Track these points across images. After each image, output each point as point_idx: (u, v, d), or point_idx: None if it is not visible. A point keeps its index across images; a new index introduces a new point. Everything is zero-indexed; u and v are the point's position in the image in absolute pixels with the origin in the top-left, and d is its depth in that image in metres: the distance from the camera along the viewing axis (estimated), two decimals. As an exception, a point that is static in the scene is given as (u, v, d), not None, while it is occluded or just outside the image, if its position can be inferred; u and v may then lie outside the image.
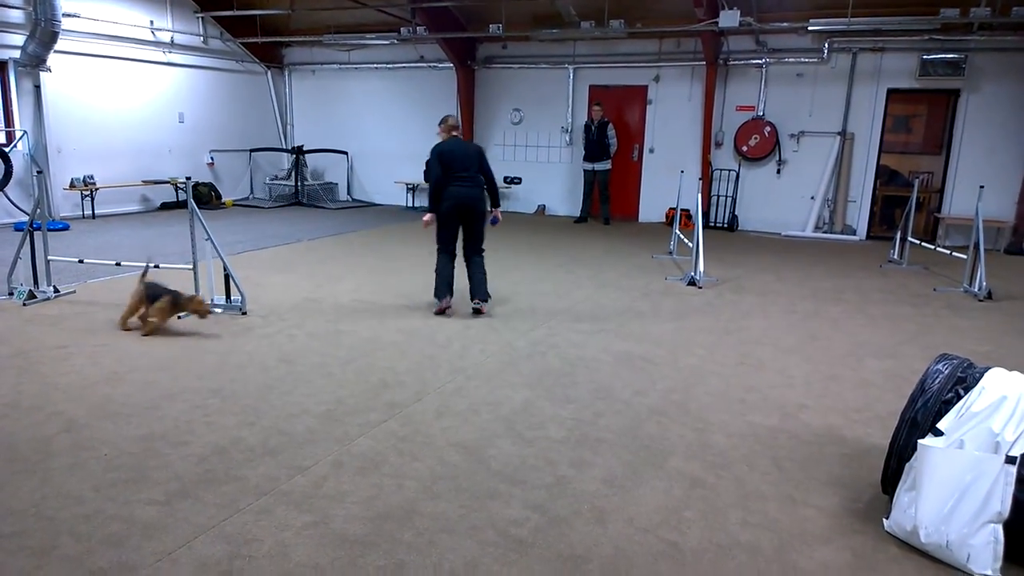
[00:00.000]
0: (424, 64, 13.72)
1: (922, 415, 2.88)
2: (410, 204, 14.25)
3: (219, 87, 13.72)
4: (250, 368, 4.62)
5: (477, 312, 6.08)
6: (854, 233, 11.24)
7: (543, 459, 3.44)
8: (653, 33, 11.62)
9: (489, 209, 6.19)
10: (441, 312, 6.06)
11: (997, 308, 6.84)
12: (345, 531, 2.77)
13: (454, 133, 6.11)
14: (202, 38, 13.19)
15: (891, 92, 10.76)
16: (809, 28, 10.13)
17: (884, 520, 2.92)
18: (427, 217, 6.07)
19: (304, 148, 14.31)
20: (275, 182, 14.58)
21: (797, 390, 4.52)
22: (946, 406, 2.87)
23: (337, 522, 2.83)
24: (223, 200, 13.40)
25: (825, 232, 11.35)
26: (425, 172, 5.65)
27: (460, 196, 5.88)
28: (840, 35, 10.57)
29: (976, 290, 7.22)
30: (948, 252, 8.39)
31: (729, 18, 9.99)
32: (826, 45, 10.77)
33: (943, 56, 10.14)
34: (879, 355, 5.28)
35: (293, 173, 14.30)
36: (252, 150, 14.38)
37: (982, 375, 2.93)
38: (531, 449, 3.55)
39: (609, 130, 11.87)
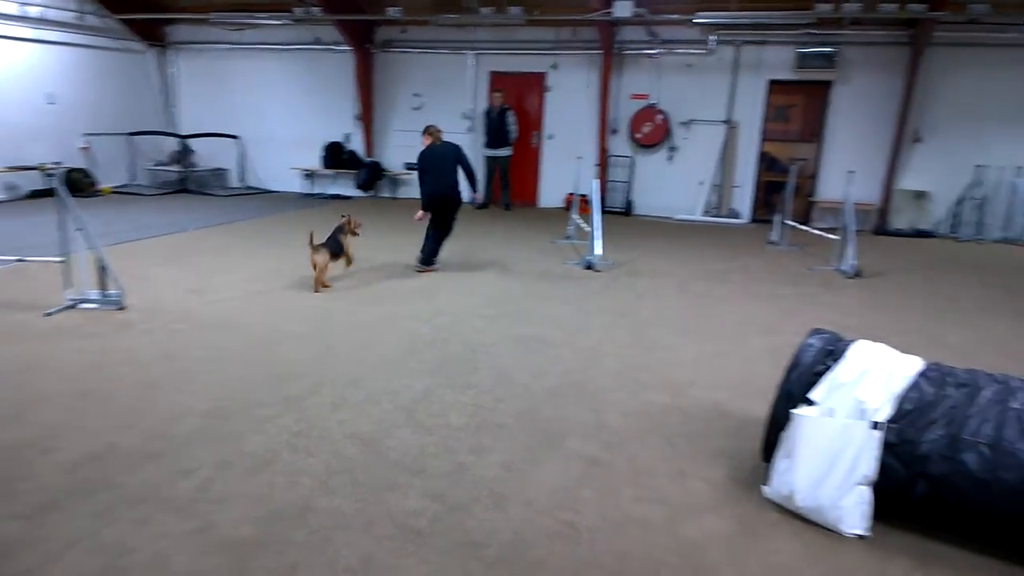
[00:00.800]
0: (320, 46, 13.28)
1: (796, 387, 3.07)
2: (307, 190, 13.80)
3: (95, 66, 12.77)
4: (128, 367, 4.35)
5: (420, 272, 7.22)
6: (739, 217, 11.81)
7: (443, 447, 3.43)
8: (551, 21, 11.72)
9: (472, 195, 7.68)
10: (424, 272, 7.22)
11: (865, 285, 7.37)
12: (232, 535, 2.65)
13: (437, 138, 7.17)
14: (77, 14, 12.21)
15: (772, 83, 11.35)
16: (695, 21, 10.51)
17: (764, 487, 3.10)
18: (419, 214, 7.18)
19: (192, 132, 13.56)
20: (159, 168, 13.76)
21: (687, 368, 4.72)
22: (817, 377, 3.06)
23: (224, 526, 2.71)
24: (99, 187, 12.52)
25: (713, 216, 11.87)
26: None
27: (437, 191, 7.02)
28: (725, 28, 11.02)
29: (846, 268, 7.76)
30: (822, 233, 8.96)
31: (623, 8, 10.22)
32: (712, 37, 11.21)
33: (818, 49, 10.78)
34: (761, 332, 5.58)
35: (180, 158, 13.53)
36: (131, 133, 13.49)
37: (849, 347, 3.15)
38: (431, 438, 3.53)
39: (509, 117, 11.92)
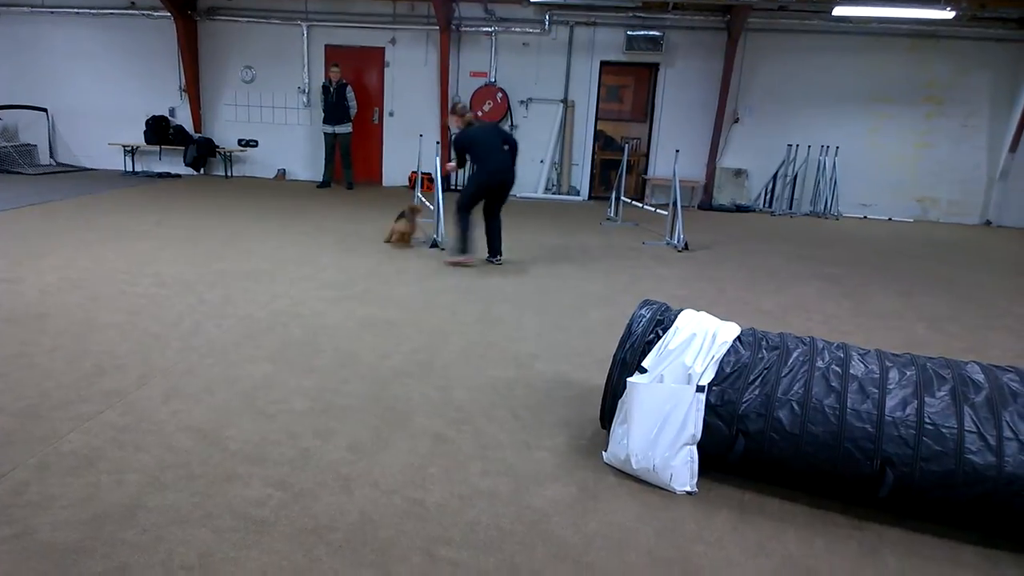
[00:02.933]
0: (136, 12, 12.06)
1: (630, 355, 3.22)
2: (130, 168, 12.57)
3: None
4: (-97, 371, 3.76)
5: (497, 264, 7.03)
6: (578, 194, 12.25)
7: (286, 433, 3.28)
8: (387, -7, 11.43)
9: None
10: (460, 264, 6.86)
11: (692, 257, 7.92)
12: (54, 540, 2.39)
13: (469, 120, 6.84)
14: None
15: (603, 64, 11.80)
16: (530, 0, 10.67)
17: (603, 453, 3.25)
18: (451, 164, 7.04)
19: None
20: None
21: (531, 342, 4.83)
22: (649, 346, 3.23)
23: (44, 531, 2.43)
24: None
25: (554, 193, 12.22)
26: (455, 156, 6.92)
27: (497, 172, 6.72)
28: (558, 8, 11.29)
29: (676, 242, 8.30)
30: (653, 210, 9.51)
31: (460, -17, 10.15)
32: (547, 17, 11.44)
33: (645, 32, 11.33)
34: (599, 305, 5.83)
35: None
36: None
37: (676, 316, 3.35)
38: (273, 424, 3.36)
39: (348, 92, 11.52)
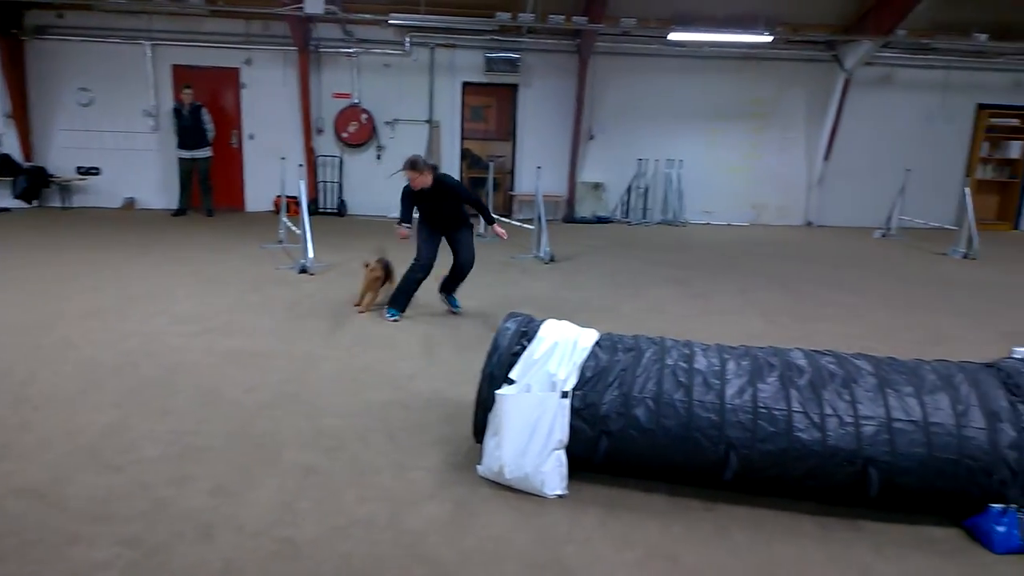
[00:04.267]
0: (-56, 30, 10.93)
1: (497, 368, 3.32)
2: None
3: None
4: None
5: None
6: (449, 212, 12.35)
7: (136, 484, 3.09)
8: (238, 13, 11.04)
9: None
10: None
11: (558, 268, 8.20)
12: None
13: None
14: None
15: (466, 85, 12.01)
16: (390, 22, 10.71)
17: (477, 467, 3.31)
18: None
19: None
20: None
21: (407, 362, 4.83)
22: (515, 358, 3.34)
23: None
24: None
25: (425, 213, 12.25)
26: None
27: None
28: (418, 30, 11.39)
29: (542, 255, 8.57)
30: (520, 224, 9.76)
31: (314, 5, 10.00)
32: (407, 39, 11.51)
33: (503, 55, 11.65)
34: (474, 320, 5.92)
35: None
36: None
37: (540, 327, 3.49)
38: (121, 477, 3.15)
39: (204, 115, 11.00)
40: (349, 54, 11.61)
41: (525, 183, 12.23)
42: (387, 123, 12.01)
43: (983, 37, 10.82)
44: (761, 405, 2.96)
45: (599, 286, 7.36)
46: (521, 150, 12.34)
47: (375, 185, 12.17)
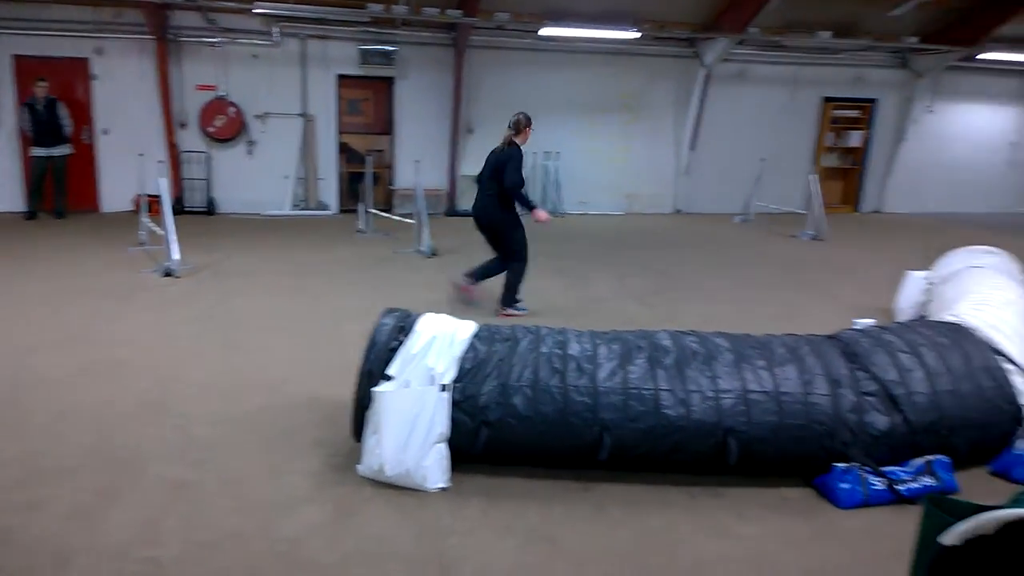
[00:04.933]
0: None
1: (375, 365, 3.28)
2: None
3: None
4: None
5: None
6: (328, 208, 12.03)
7: (-21, 514, 2.82)
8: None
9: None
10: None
11: (441, 262, 8.19)
12: None
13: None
14: None
15: (341, 77, 11.71)
16: (255, 11, 10.26)
17: (358, 466, 3.26)
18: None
19: None
20: None
21: (282, 365, 4.67)
22: (393, 353, 3.32)
23: None
24: None
25: (302, 209, 11.87)
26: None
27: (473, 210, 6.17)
28: (286, 20, 10.98)
29: (424, 249, 8.53)
30: (401, 219, 9.67)
31: (170, -9, 9.43)
32: (276, 29, 11.07)
33: (377, 47, 11.44)
34: (353, 318, 5.78)
35: None
36: None
37: (417, 321, 3.47)
38: (-40, 507, 2.87)
39: (60, 109, 10.13)
40: (212, 44, 11.02)
41: (406, 177, 12.10)
42: (257, 117, 11.52)
43: (827, 35, 11.74)
44: (631, 386, 3.10)
45: (481, 278, 7.41)
46: (400, 144, 12.20)
47: (247, 181, 11.66)
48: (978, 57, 12.77)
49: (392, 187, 12.34)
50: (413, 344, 3.33)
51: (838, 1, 11.74)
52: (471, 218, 6.35)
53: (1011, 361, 3.45)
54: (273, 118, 11.57)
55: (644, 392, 3.06)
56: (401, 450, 3.15)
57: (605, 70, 12.51)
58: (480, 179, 6.21)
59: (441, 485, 3.15)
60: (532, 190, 12.62)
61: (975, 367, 3.33)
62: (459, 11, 10.60)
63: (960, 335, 3.53)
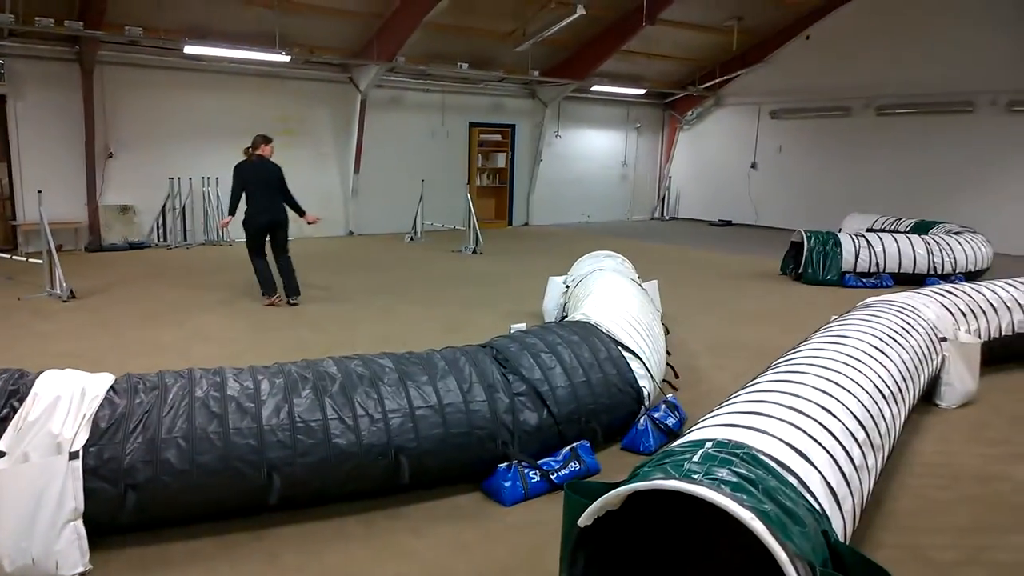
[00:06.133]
0: None
1: (-28, 443, 2.69)
2: None
3: None
4: None
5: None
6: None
7: None
8: None
9: None
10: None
11: (82, 306, 7.09)
12: None
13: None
14: None
15: (-79, 91, 9.50)
16: None
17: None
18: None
19: None
20: None
21: None
22: (3, 424, 2.76)
23: None
24: None
25: None
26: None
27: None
28: None
29: (59, 292, 7.31)
30: (26, 259, 8.16)
31: None
32: None
33: (-26, 56, 9.53)
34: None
35: None
36: None
37: (34, 382, 2.93)
38: None
39: None
40: None
41: (31, 210, 10.24)
42: None
43: (465, 66, 12.84)
44: (299, 419, 3.00)
45: (134, 318, 6.59)
46: (21, 172, 10.29)
47: None
48: (592, 89, 15.08)
49: (14, 222, 10.35)
50: (30, 409, 2.80)
51: (475, 35, 12.91)
52: (256, 223, 7.02)
53: (628, 350, 4.10)
54: None
55: (312, 424, 2.99)
56: (23, 537, 2.63)
57: (258, 93, 12.09)
58: (252, 190, 6.90)
59: (80, 570, 2.70)
60: (193, 218, 11.63)
61: (601, 358, 3.89)
62: (80, 23, 9.31)
63: (587, 331, 4.09)
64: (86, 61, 10.04)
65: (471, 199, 11.78)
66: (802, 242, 9.45)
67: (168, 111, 11.28)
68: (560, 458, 3.53)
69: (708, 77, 16.45)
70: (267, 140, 7.10)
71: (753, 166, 16.46)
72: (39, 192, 7.72)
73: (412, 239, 12.72)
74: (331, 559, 2.83)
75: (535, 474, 3.39)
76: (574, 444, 3.61)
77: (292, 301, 7.24)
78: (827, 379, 3.10)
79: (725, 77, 16.24)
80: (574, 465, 3.53)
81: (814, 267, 9.31)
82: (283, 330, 6.36)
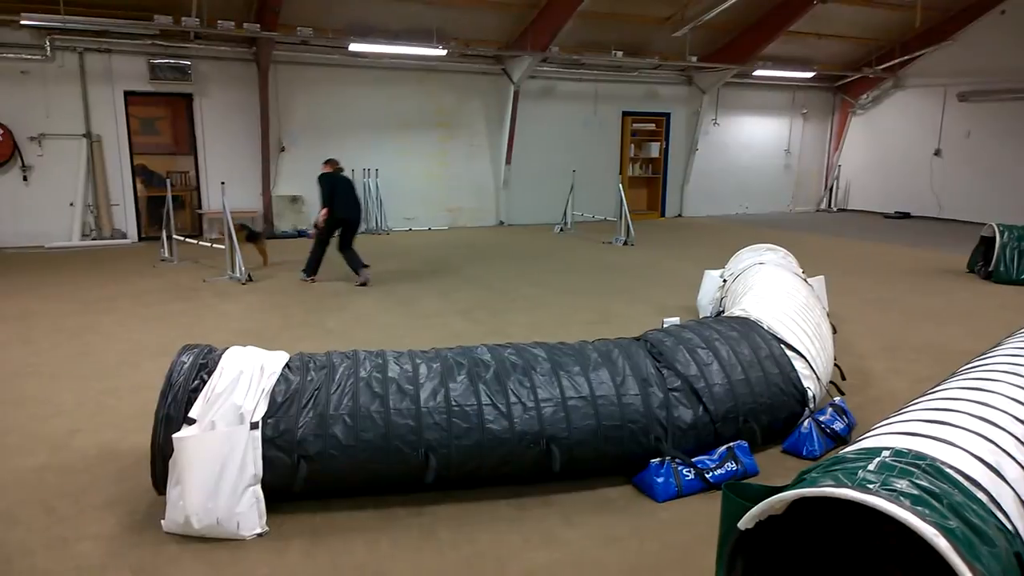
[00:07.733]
0: None
1: (174, 409, 2.98)
2: None
3: None
4: None
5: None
6: (125, 236, 10.95)
7: None
8: None
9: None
10: None
11: (256, 289, 7.72)
12: None
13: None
14: None
15: (128, 94, 10.73)
16: (23, 23, 9.14)
17: (162, 522, 2.94)
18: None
19: None
20: None
21: (67, 416, 4.14)
22: (194, 394, 3.03)
23: None
24: None
25: (93, 239, 10.71)
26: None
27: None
28: (60, 33, 9.90)
29: (238, 275, 8.01)
30: (210, 244, 9.02)
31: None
32: (47, 42, 9.93)
33: (169, 61, 10.63)
34: (155, 355, 5.28)
35: None
36: None
37: (221, 357, 3.20)
38: None
39: None
40: (-31, 58, 9.67)
41: (214, 200, 11.32)
42: (32, 139, 10.25)
43: (619, 54, 12.61)
44: (454, 403, 3.06)
45: (301, 303, 7.08)
46: (206, 165, 11.40)
47: (26, 210, 10.34)
48: (754, 74, 14.32)
49: (200, 211, 11.50)
50: (217, 382, 3.06)
51: (628, 23, 12.65)
52: (344, 220, 8.08)
53: (792, 349, 3.84)
54: (50, 139, 10.36)
55: (467, 408, 3.04)
56: (210, 498, 2.88)
57: (418, 87, 12.55)
58: (349, 195, 8.11)
59: (258, 531, 2.92)
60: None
61: (762, 356, 3.67)
62: (257, 25, 10.11)
63: (748, 327, 3.87)
64: (262, 60, 10.89)
65: (623, 189, 11.60)
66: (994, 237, 8.45)
67: (334, 106, 12.00)
68: (716, 457, 3.37)
69: (886, 57, 15.11)
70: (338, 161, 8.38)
71: (937, 153, 14.96)
72: (222, 184, 8.49)
73: (562, 230, 12.75)
74: (483, 540, 2.87)
75: (689, 472, 3.26)
76: (731, 444, 3.43)
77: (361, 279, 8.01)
78: (1023, 388, 2.72)
79: (907, 57, 14.83)
80: (731, 465, 3.36)
81: (1007, 265, 8.30)
82: (434, 317, 6.57)
